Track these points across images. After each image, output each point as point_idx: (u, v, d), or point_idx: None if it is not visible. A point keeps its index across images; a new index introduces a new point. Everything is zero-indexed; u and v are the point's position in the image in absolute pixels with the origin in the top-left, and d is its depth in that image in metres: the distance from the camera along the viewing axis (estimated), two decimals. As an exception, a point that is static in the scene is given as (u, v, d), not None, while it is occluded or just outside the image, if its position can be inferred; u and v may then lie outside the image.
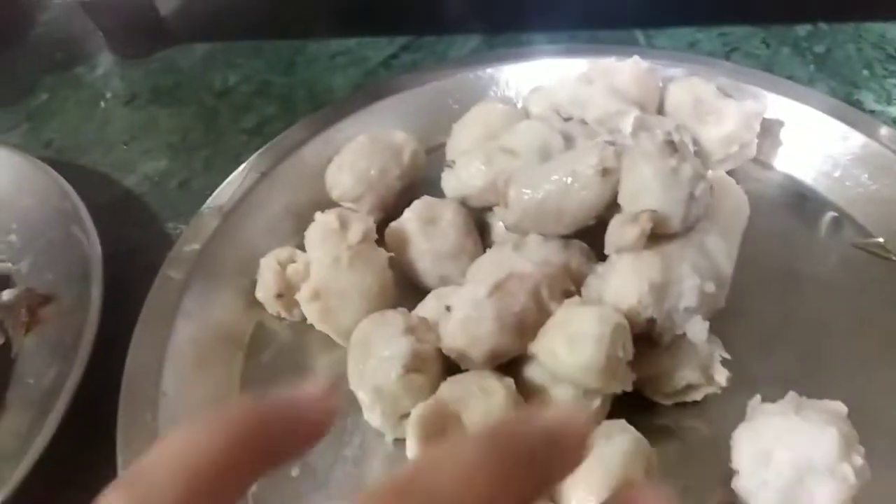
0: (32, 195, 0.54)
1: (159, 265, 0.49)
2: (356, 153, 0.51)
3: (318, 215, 0.45)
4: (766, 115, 0.53)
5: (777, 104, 0.54)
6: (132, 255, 0.54)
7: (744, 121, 0.50)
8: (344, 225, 0.44)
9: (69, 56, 0.74)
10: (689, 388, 0.41)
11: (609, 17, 0.67)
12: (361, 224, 0.44)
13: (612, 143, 0.43)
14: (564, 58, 0.59)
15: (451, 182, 0.48)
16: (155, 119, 0.66)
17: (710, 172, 0.46)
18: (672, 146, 0.40)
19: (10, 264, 0.53)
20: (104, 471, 0.40)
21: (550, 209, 0.42)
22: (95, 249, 0.49)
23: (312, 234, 0.45)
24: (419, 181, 0.52)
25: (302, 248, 0.47)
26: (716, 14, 0.67)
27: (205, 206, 0.52)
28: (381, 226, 0.48)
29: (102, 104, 0.68)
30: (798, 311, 0.46)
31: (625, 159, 0.41)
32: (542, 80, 0.58)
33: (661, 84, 0.54)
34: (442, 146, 0.53)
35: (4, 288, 0.51)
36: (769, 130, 0.53)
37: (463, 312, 0.38)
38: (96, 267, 0.48)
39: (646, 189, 0.40)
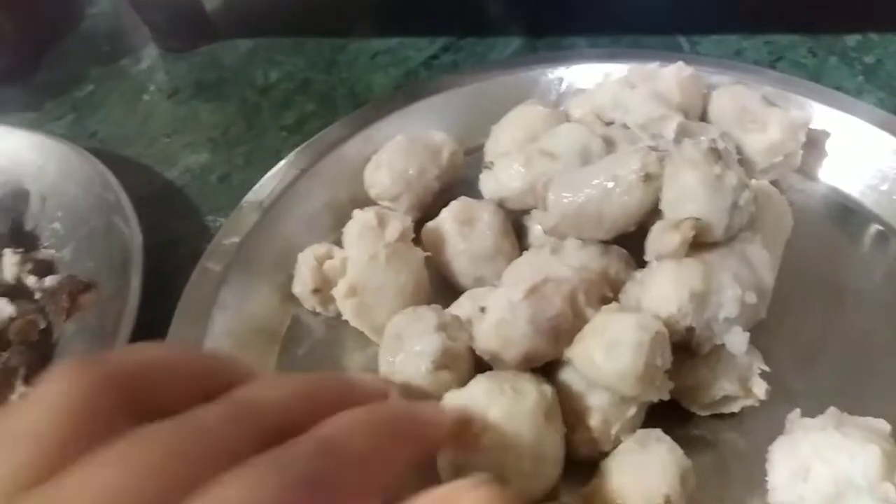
0: (77, 184, 0.55)
1: (198, 257, 0.50)
2: (395, 152, 0.51)
3: (357, 213, 0.46)
4: (812, 126, 0.52)
5: (823, 115, 0.53)
6: (172, 246, 0.55)
7: (789, 130, 0.49)
8: (382, 223, 0.44)
9: (115, 49, 0.75)
10: (727, 399, 0.41)
11: (653, 23, 0.66)
12: (399, 223, 0.44)
13: (654, 149, 0.42)
14: (607, 62, 0.59)
15: (490, 183, 0.48)
16: (197, 113, 0.67)
17: (753, 182, 0.45)
18: (717, 153, 0.40)
19: (53, 251, 0.54)
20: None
21: (590, 214, 0.41)
22: (136, 239, 0.50)
23: (351, 231, 0.45)
24: (457, 182, 0.52)
25: (339, 244, 0.47)
26: (762, 22, 0.66)
27: (244, 200, 0.53)
28: (418, 225, 0.48)
29: (146, 97, 0.70)
30: (840, 325, 0.45)
31: (668, 165, 0.41)
32: (583, 83, 0.57)
33: (704, 91, 0.53)
34: (481, 147, 0.53)
35: (48, 274, 0.52)
36: (815, 141, 0.52)
37: (497, 315, 0.38)
38: (136, 256, 0.49)
39: (689, 196, 0.39)
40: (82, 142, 0.64)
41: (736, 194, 0.39)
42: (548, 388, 0.37)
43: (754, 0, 0.62)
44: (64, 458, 0.19)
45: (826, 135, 0.53)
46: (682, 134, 0.45)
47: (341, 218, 0.48)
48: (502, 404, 0.35)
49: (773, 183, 0.48)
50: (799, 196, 0.51)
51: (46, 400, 0.21)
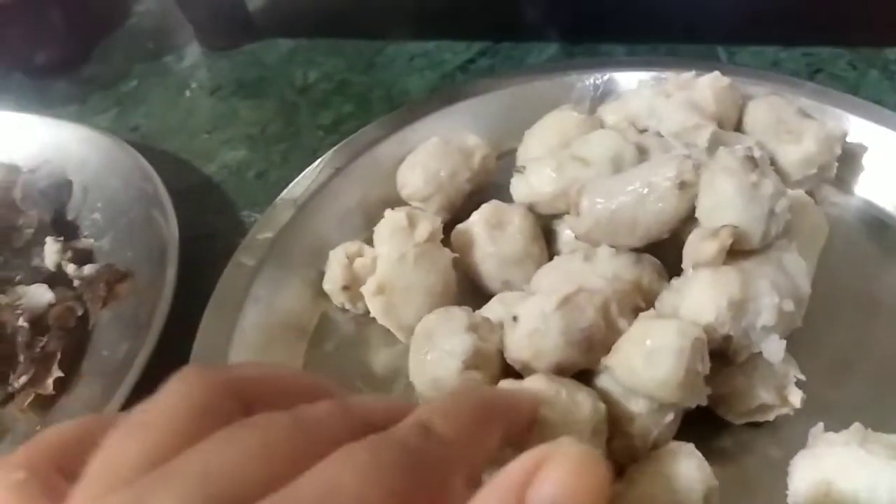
0: (118, 177, 0.57)
1: (233, 251, 0.51)
2: (428, 154, 0.51)
3: (388, 212, 0.46)
4: (850, 139, 0.51)
5: (861, 128, 0.52)
6: (208, 239, 0.56)
7: (824, 143, 0.48)
8: (412, 223, 0.45)
9: (159, 46, 0.77)
10: (762, 407, 0.40)
11: (691, 32, 0.66)
12: (429, 223, 0.45)
13: (688, 157, 0.42)
14: (643, 70, 0.59)
15: (521, 188, 0.48)
16: (237, 110, 0.68)
17: (788, 191, 0.45)
18: (753, 161, 0.40)
19: (93, 240, 0.56)
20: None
21: (624, 220, 0.41)
22: (173, 232, 0.51)
23: (381, 230, 0.46)
24: (489, 185, 0.53)
25: (370, 243, 0.48)
26: (801, 34, 0.65)
27: (280, 197, 0.53)
28: (449, 227, 0.48)
29: (188, 93, 0.71)
30: (873, 339, 0.44)
31: (704, 173, 0.41)
32: (619, 90, 0.58)
33: (740, 101, 0.53)
34: (514, 151, 0.53)
35: (87, 262, 0.54)
36: (851, 154, 0.52)
37: (530, 324, 0.38)
38: (173, 248, 0.50)
39: (726, 204, 0.39)
40: (124, 135, 0.65)
41: (773, 202, 0.39)
42: (602, 407, 0.37)
43: (794, 11, 0.62)
44: (181, 448, 0.21)
45: (863, 148, 0.52)
46: (715, 143, 0.45)
47: (373, 217, 0.48)
48: (557, 408, 0.35)
49: (808, 194, 0.48)
50: (833, 209, 0.50)
51: (170, 399, 0.23)
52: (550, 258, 0.46)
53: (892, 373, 0.43)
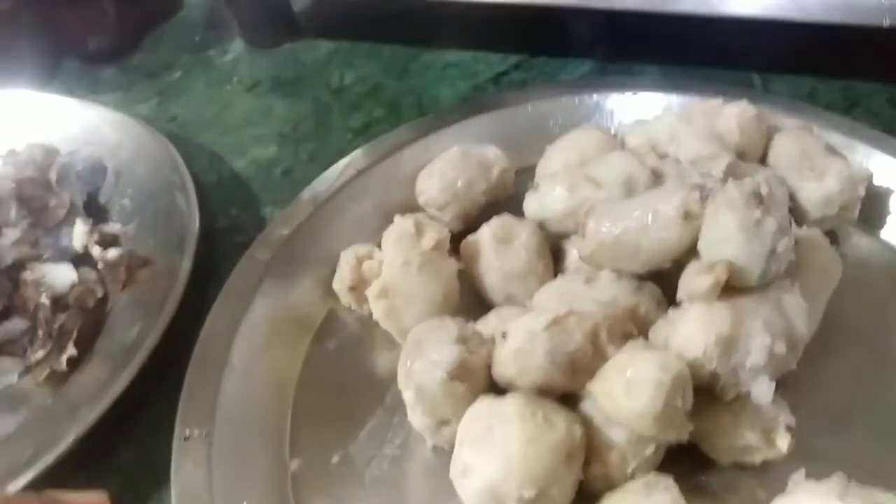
0: (149, 165, 0.59)
1: (250, 245, 0.52)
2: (447, 163, 0.52)
3: (398, 218, 0.47)
4: (880, 180, 0.50)
5: (892, 168, 0.51)
6: (228, 233, 0.58)
7: (847, 182, 0.47)
8: (419, 231, 0.46)
9: (205, 40, 0.79)
10: (748, 449, 0.40)
11: (727, 56, 0.65)
12: (436, 232, 0.45)
13: (701, 187, 0.42)
14: (672, 93, 0.58)
15: (533, 204, 0.49)
16: (272, 108, 0.70)
17: (803, 228, 0.44)
18: (758, 197, 0.39)
19: (120, 225, 0.57)
20: (167, 424, 0.43)
21: (627, 245, 0.41)
22: (194, 223, 0.53)
23: (389, 236, 0.46)
24: (506, 198, 0.53)
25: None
26: (839, 66, 0.64)
27: (300, 195, 0.55)
28: (461, 236, 0.49)
29: (227, 87, 0.73)
30: (876, 388, 0.43)
31: (709, 205, 0.40)
32: (645, 112, 0.57)
33: (767, 132, 0.52)
34: (535, 167, 0.54)
35: (113, 246, 0.56)
36: (878, 195, 0.50)
37: (517, 343, 0.39)
38: (191, 239, 0.52)
39: (726, 238, 0.38)
40: (162, 125, 0.68)
41: (775, 240, 0.38)
42: (578, 431, 0.37)
43: (832, 42, 0.60)
44: None
45: (891, 192, 0.51)
46: (730, 174, 0.44)
47: (389, 221, 0.49)
48: (527, 428, 0.35)
49: (828, 233, 0.47)
50: (853, 250, 0.49)
51: None
52: (556, 276, 0.47)
53: (892, 425, 0.41)
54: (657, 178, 0.46)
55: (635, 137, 0.52)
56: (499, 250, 0.47)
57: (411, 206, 0.52)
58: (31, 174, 0.56)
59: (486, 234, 0.47)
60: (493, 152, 0.53)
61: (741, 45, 0.63)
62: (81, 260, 0.54)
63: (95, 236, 0.56)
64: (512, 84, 0.68)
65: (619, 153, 0.48)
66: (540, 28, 0.70)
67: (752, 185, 0.40)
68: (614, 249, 0.42)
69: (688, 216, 0.40)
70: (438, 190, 0.51)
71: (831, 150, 0.50)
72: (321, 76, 0.72)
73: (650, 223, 0.41)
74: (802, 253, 0.41)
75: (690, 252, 0.41)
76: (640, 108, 0.58)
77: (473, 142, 0.55)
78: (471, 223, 0.51)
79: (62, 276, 0.52)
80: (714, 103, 0.52)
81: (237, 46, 0.78)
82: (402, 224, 0.46)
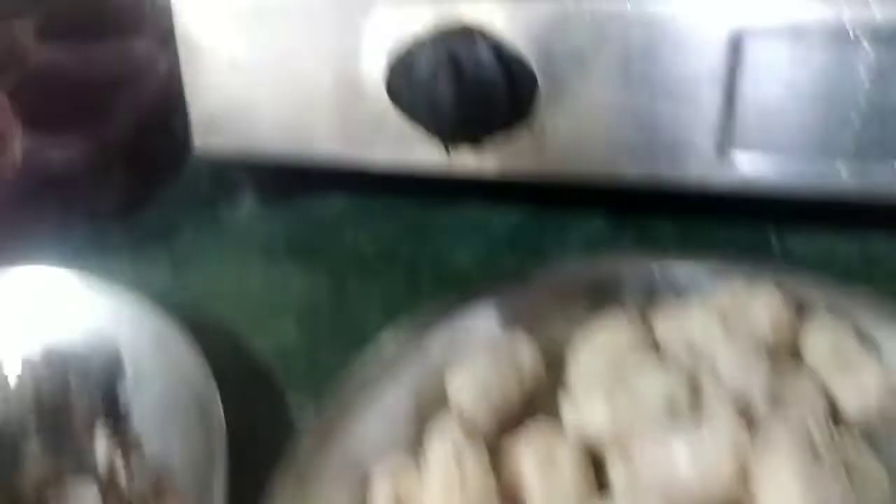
0: (169, 362, 0.56)
1: (277, 443, 0.51)
2: (479, 368, 0.51)
3: (437, 443, 0.46)
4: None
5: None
6: (252, 430, 0.56)
7: (887, 386, 0.47)
8: (460, 461, 0.45)
9: (214, 194, 0.78)
10: None
11: (743, 212, 0.66)
12: (477, 465, 0.45)
13: (744, 414, 0.42)
14: (693, 264, 0.58)
15: (571, 414, 0.48)
16: (286, 277, 0.69)
17: (849, 456, 0.44)
18: (811, 439, 0.39)
19: (140, 432, 0.55)
20: None
21: (667, 487, 0.41)
22: (220, 433, 0.51)
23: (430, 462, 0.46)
24: (538, 395, 0.53)
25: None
26: (859, 221, 0.64)
27: (326, 398, 0.53)
28: (497, 437, 0.49)
29: (239, 252, 0.72)
30: None
31: (757, 442, 0.40)
32: (669, 286, 0.57)
33: (795, 319, 0.52)
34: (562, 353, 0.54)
35: (135, 451, 0.54)
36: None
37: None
38: (220, 454, 0.50)
39: (779, 487, 0.38)
40: (177, 294, 0.66)
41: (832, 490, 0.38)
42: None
43: (850, 198, 0.60)
44: None
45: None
46: (773, 402, 0.44)
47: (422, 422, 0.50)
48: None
49: (866, 430, 0.47)
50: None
51: None
52: (600, 492, 0.46)
53: None
54: (695, 395, 0.46)
55: (667, 332, 0.52)
56: (541, 472, 0.46)
57: (442, 399, 0.52)
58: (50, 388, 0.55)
59: (528, 456, 0.46)
60: (525, 353, 0.52)
61: (758, 200, 0.63)
62: (107, 485, 0.52)
63: (117, 441, 0.54)
64: (526, 240, 0.69)
65: (655, 368, 0.48)
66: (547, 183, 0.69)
67: (799, 419, 0.40)
68: (653, 490, 0.42)
69: (736, 463, 0.40)
70: (472, 401, 0.50)
71: (862, 344, 0.50)
72: (335, 238, 0.72)
73: (694, 465, 0.41)
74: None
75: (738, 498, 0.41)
76: (664, 283, 0.58)
77: (498, 321, 0.55)
78: (506, 425, 0.51)
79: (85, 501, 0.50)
80: (741, 292, 0.52)
81: (248, 201, 0.77)
82: (442, 451, 0.46)
